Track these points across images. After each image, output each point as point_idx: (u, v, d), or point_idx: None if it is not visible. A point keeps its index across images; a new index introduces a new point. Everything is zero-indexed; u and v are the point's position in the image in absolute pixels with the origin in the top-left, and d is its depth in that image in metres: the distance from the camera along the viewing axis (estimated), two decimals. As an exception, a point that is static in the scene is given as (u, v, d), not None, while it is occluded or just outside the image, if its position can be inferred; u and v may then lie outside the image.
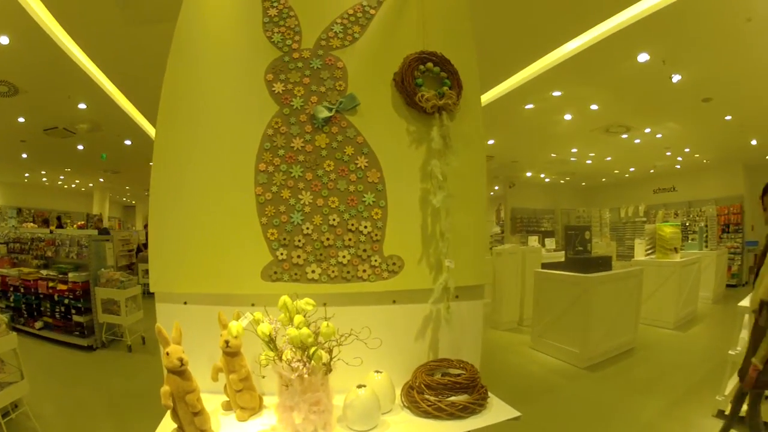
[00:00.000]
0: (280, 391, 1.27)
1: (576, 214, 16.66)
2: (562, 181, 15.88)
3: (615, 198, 15.63)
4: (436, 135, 1.62)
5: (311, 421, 1.25)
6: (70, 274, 5.15)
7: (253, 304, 1.52)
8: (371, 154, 1.65)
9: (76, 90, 5.96)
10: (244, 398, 1.39)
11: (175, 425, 1.23)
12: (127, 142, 8.99)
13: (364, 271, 1.59)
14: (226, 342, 1.37)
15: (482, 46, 4.46)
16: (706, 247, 9.01)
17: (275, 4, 1.70)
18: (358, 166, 1.63)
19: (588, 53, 4.85)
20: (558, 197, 16.76)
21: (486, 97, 6.46)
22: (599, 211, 15.94)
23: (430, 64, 1.69)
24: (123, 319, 5.08)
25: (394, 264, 1.62)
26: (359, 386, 1.35)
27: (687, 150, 10.31)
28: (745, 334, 2.51)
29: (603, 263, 4.99)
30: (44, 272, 5.44)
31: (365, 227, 1.61)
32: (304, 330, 1.23)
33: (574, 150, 10.71)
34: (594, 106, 7.10)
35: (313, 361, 1.23)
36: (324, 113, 1.60)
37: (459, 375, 1.52)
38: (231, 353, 1.39)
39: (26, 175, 13.65)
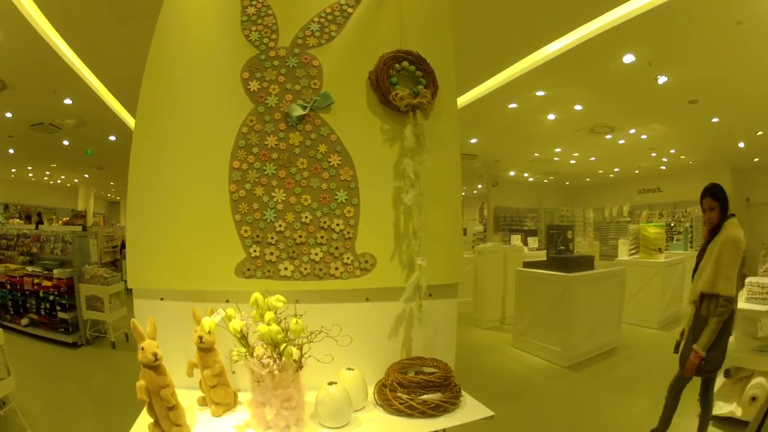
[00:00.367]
0: (253, 387, 1.29)
1: (560, 214, 16.78)
2: (545, 181, 15.97)
3: (599, 198, 15.76)
4: (409, 134, 1.63)
5: (283, 417, 1.27)
6: (55, 271, 5.12)
7: (227, 301, 1.52)
8: (344, 153, 1.65)
9: (62, 86, 5.93)
10: (219, 394, 1.40)
11: (151, 420, 1.24)
12: (112, 138, 8.96)
13: (337, 268, 1.60)
14: (200, 338, 1.38)
15: (466, 44, 4.37)
16: (691, 247, 9.14)
17: (254, 3, 1.71)
18: (331, 164, 1.64)
19: (573, 53, 4.85)
20: (542, 196, 16.88)
21: (469, 96, 6.44)
22: (583, 210, 16.09)
23: (405, 63, 1.70)
24: (107, 316, 5.05)
25: (366, 262, 1.63)
26: (330, 383, 1.36)
27: (672, 151, 10.40)
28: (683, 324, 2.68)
29: (585, 262, 5.03)
30: (30, 268, 5.42)
31: (338, 225, 1.62)
32: (274, 326, 1.24)
33: (558, 150, 10.75)
34: (578, 107, 7.11)
35: (284, 358, 1.24)
36: (298, 111, 1.61)
37: (432, 373, 1.53)
38: (205, 349, 1.40)
39: (13, 170, 13.54)
